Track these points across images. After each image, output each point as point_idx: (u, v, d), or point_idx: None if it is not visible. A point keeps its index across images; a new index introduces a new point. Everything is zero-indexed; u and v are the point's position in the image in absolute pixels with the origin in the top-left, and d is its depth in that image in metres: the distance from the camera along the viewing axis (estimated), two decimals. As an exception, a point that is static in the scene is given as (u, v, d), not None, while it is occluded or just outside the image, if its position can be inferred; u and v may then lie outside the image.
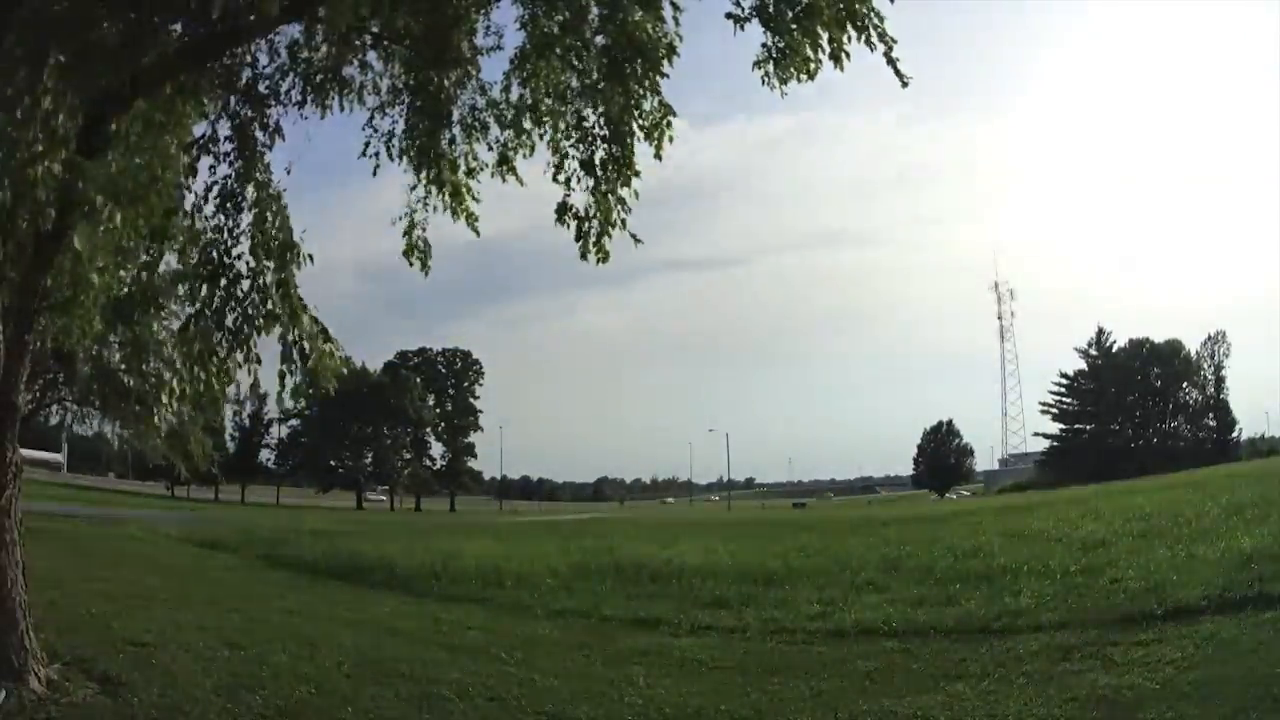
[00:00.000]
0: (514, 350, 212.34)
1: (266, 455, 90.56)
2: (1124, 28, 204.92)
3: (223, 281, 6.64)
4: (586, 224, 6.64)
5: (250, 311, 6.56)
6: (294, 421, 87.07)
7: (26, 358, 6.29)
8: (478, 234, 7.31)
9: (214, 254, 6.70)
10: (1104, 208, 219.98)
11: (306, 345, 6.48)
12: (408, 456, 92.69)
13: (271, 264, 6.63)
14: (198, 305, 6.58)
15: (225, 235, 6.74)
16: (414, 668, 8.08)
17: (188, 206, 6.73)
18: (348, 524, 41.16)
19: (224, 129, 6.84)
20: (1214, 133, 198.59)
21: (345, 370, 6.73)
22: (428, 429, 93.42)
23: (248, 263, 6.67)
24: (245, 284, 6.64)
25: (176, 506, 51.83)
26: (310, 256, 6.73)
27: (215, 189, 6.80)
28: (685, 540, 22.46)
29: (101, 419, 25.12)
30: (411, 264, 7.34)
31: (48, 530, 17.60)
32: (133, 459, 73.48)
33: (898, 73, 5.82)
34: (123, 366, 22.99)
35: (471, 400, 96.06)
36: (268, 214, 6.72)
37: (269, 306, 6.54)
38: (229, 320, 6.54)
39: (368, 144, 7.17)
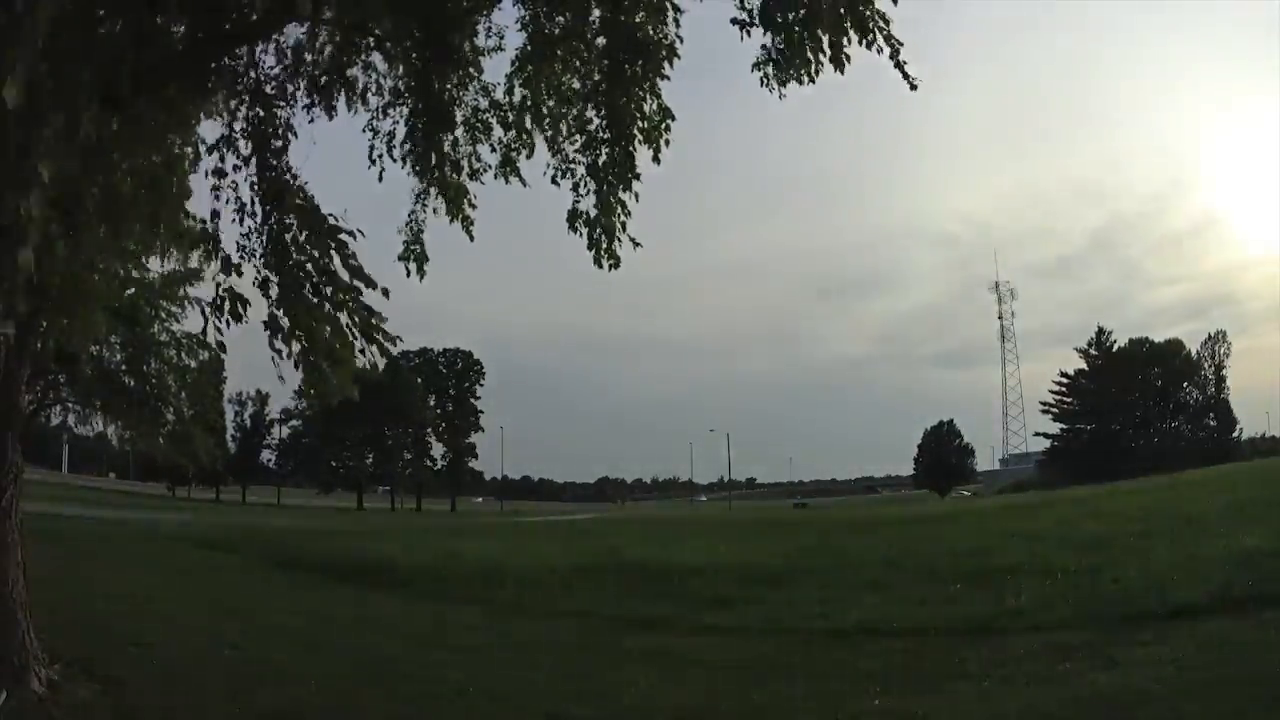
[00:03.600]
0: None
1: (268, 456, 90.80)
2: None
3: (289, 261, 6.45)
4: (596, 230, 6.63)
5: (316, 293, 6.42)
6: (295, 422, 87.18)
7: (27, 359, 6.29)
8: (472, 238, 7.30)
9: (269, 240, 6.55)
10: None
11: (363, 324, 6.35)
12: (409, 457, 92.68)
13: (331, 243, 6.46)
14: (275, 293, 6.38)
15: (274, 224, 6.60)
16: (415, 668, 8.10)
17: (225, 204, 6.62)
18: (349, 524, 41.20)
19: (239, 128, 6.78)
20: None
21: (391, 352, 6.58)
22: (428, 429, 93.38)
23: (310, 252, 6.51)
24: (310, 267, 6.47)
25: (177, 507, 51.83)
26: (360, 231, 6.47)
27: (250, 184, 6.71)
28: (686, 540, 22.49)
29: (103, 420, 25.14)
30: (408, 270, 7.32)
31: (48, 531, 17.61)
32: (133, 460, 73.85)
33: (905, 75, 5.79)
34: (124, 367, 23.04)
35: (472, 400, 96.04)
36: (293, 210, 6.63)
37: (333, 286, 6.40)
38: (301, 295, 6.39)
39: (371, 148, 7.15)
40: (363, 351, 6.40)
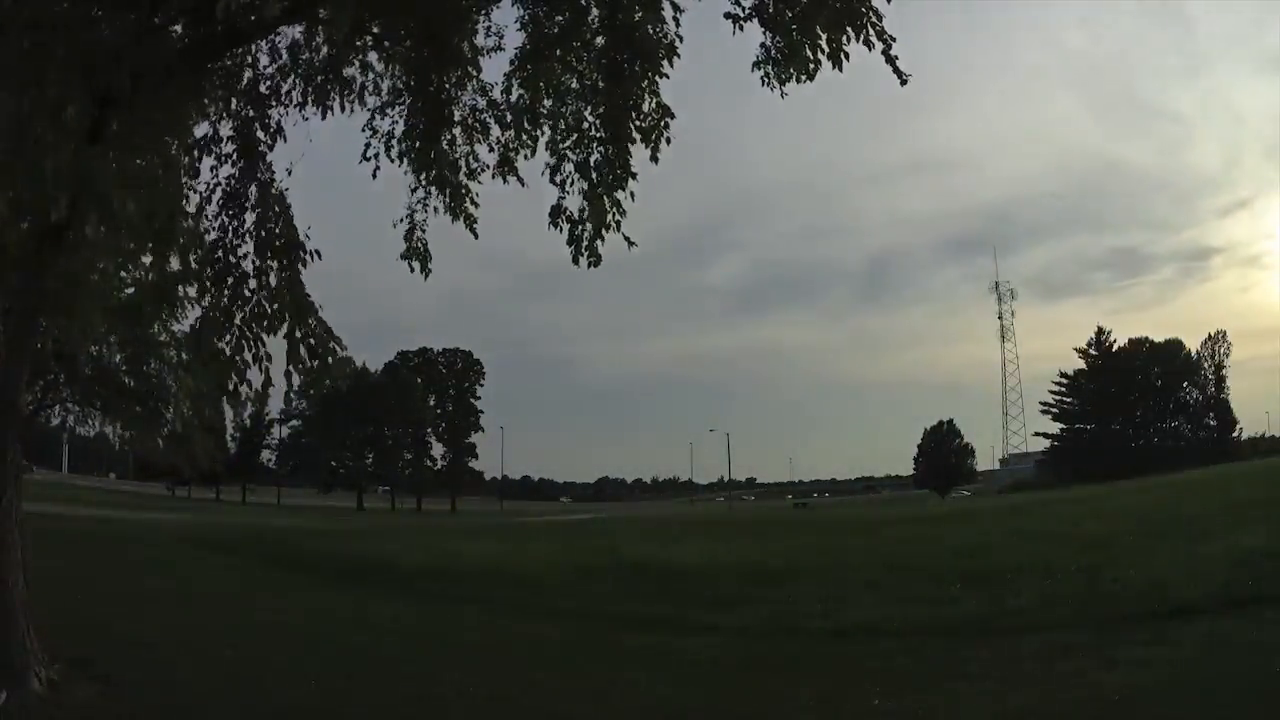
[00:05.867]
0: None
1: (268, 456, 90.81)
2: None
3: (230, 280, 6.61)
4: (579, 227, 6.63)
5: (257, 310, 6.52)
6: (295, 422, 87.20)
7: (27, 359, 6.29)
8: (476, 235, 7.30)
9: (219, 254, 6.66)
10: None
11: (313, 343, 6.45)
12: (409, 457, 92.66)
13: (275, 264, 6.59)
14: (206, 305, 6.54)
15: (230, 235, 6.71)
16: (414, 668, 8.10)
17: (192, 207, 6.70)
18: (348, 524, 41.22)
19: (226, 130, 6.83)
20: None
21: (348, 371, 6.71)
22: (428, 429, 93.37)
23: (254, 262, 6.62)
24: (252, 283, 6.59)
25: (177, 507, 51.83)
26: (317, 253, 6.68)
27: (219, 189, 6.78)
28: (686, 540, 22.50)
29: (102, 420, 25.10)
30: (411, 268, 7.31)
31: (48, 531, 17.62)
32: (133, 460, 73.81)
33: (897, 71, 5.81)
34: (124, 367, 23.02)
35: (472, 401, 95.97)
36: (270, 214, 6.69)
37: (275, 306, 6.51)
38: (237, 319, 6.51)
39: (367, 146, 7.16)
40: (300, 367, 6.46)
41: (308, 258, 6.68)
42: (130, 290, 19.42)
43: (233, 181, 6.77)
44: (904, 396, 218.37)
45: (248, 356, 6.38)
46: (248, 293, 6.56)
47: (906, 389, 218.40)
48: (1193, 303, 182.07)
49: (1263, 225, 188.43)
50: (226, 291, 6.56)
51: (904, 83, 5.84)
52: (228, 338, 6.41)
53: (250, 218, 6.76)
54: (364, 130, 7.12)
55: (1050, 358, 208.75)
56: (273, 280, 6.55)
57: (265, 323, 6.46)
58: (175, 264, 6.60)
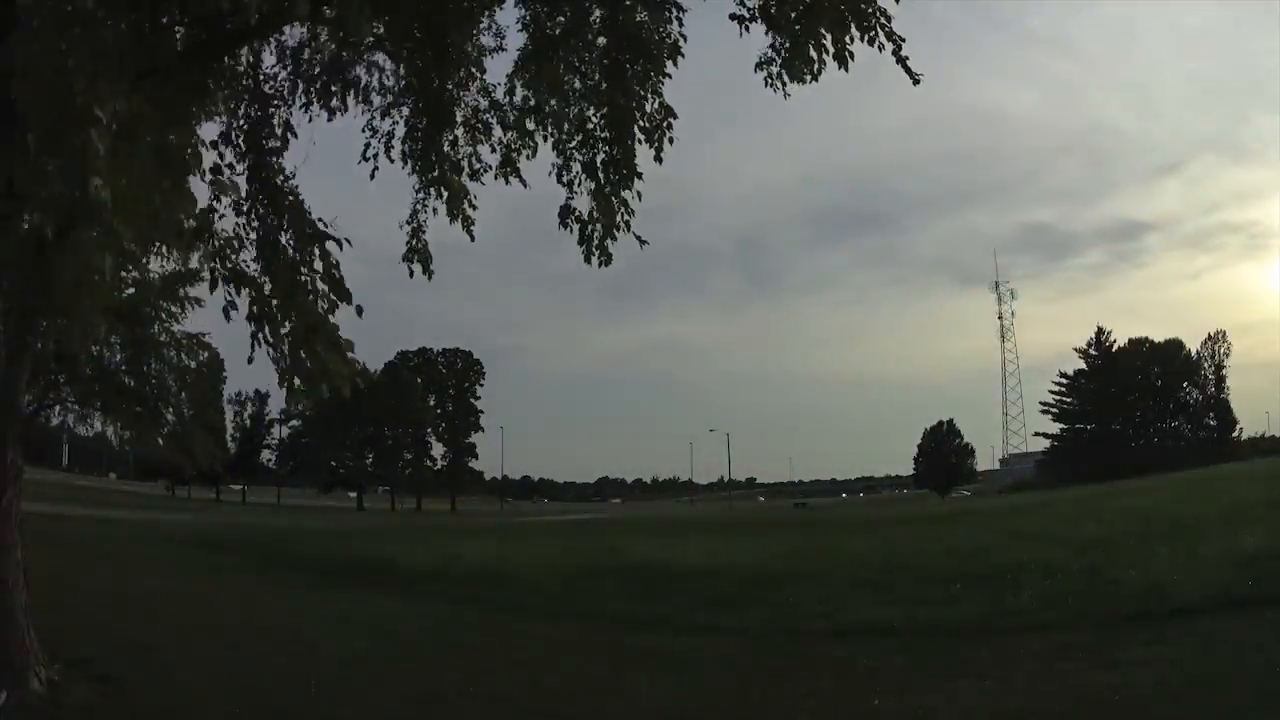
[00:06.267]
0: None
1: (268, 456, 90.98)
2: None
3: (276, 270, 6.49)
4: (589, 227, 6.64)
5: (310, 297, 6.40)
6: (295, 422, 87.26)
7: (27, 359, 6.29)
8: (473, 238, 7.30)
9: (262, 249, 6.56)
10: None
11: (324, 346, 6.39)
12: (409, 457, 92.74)
13: (316, 253, 6.48)
14: (255, 296, 6.40)
15: (258, 231, 6.63)
16: (414, 668, 8.10)
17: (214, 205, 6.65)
18: (348, 524, 41.23)
19: (236, 129, 6.80)
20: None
21: (358, 373, 6.65)
22: (428, 429, 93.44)
23: (294, 255, 6.51)
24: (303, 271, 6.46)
25: (177, 507, 51.85)
26: (347, 240, 6.49)
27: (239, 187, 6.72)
28: (687, 540, 22.51)
29: (103, 420, 25.15)
30: (411, 271, 7.30)
31: (48, 531, 17.61)
32: (133, 459, 73.87)
33: (908, 70, 5.79)
34: (124, 367, 23.07)
35: (472, 401, 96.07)
36: (284, 211, 6.64)
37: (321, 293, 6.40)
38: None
39: (367, 146, 7.16)
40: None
41: (332, 247, 6.54)
42: (130, 290, 19.55)
43: (247, 180, 6.73)
44: (899, 397, 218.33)
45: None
46: (301, 282, 6.41)
47: (905, 389, 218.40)
48: (1133, 292, 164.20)
49: (1200, 196, 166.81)
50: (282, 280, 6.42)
51: (916, 83, 5.81)
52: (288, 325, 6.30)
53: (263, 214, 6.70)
54: (364, 130, 7.14)
55: (975, 355, 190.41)
56: (316, 268, 6.43)
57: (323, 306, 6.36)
58: (182, 261, 6.54)
